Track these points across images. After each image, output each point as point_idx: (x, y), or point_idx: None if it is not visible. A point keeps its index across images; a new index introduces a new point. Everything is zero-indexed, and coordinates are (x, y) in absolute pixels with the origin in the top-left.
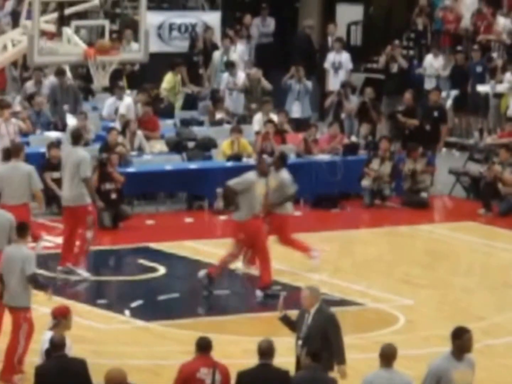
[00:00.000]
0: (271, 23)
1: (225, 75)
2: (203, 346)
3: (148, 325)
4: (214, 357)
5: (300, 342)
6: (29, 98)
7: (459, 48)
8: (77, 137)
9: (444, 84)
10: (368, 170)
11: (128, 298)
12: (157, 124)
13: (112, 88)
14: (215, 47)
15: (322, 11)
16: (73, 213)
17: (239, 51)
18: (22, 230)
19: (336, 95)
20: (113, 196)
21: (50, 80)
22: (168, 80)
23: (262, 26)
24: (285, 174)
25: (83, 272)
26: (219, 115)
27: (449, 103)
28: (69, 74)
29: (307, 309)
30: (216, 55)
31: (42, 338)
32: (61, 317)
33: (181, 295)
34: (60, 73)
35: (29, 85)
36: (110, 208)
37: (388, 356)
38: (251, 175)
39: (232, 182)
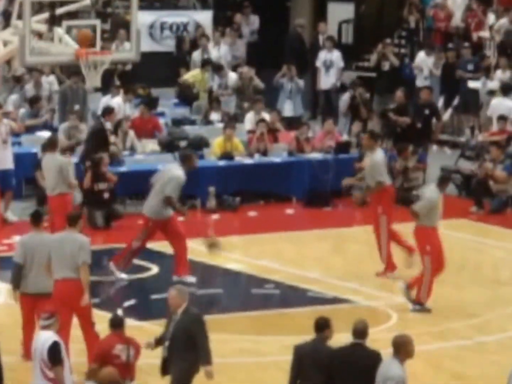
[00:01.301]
0: (255, 21)
1: (216, 78)
2: (117, 323)
3: (141, 324)
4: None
5: (167, 343)
6: (30, 100)
7: (450, 45)
8: (185, 158)
9: (436, 82)
10: (359, 165)
11: (121, 298)
12: (158, 124)
13: (106, 88)
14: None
15: (314, 10)
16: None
17: (222, 51)
18: (72, 219)
19: (351, 94)
20: (106, 195)
21: (44, 80)
22: (194, 74)
23: (246, 24)
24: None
25: (121, 274)
26: (214, 116)
27: (447, 113)
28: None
29: (174, 310)
30: (195, 54)
31: (39, 338)
32: (56, 314)
33: None
34: (75, 74)
35: (29, 88)
36: (102, 207)
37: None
38: (433, 194)
39: (418, 207)
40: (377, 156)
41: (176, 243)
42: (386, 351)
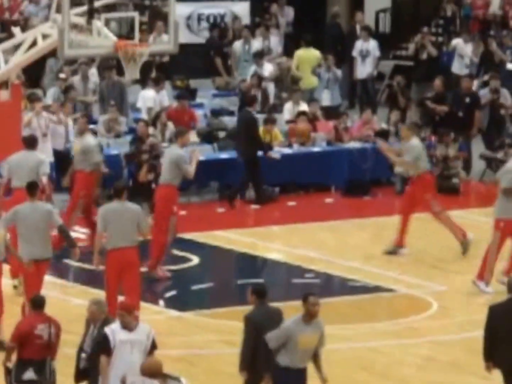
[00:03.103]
0: (289, 12)
1: (253, 67)
2: (39, 303)
3: (182, 315)
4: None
5: (84, 354)
6: (64, 90)
7: (491, 33)
8: None
9: (474, 70)
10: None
11: (162, 288)
12: (193, 115)
13: (144, 80)
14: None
15: None
16: None
17: (273, 42)
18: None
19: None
20: (153, 186)
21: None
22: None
23: (280, 16)
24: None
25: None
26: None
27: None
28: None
29: (93, 322)
30: (237, 45)
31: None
32: (134, 310)
33: (214, 284)
34: (108, 68)
35: (76, 80)
36: (149, 198)
37: None
38: None
39: None
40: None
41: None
42: (426, 339)
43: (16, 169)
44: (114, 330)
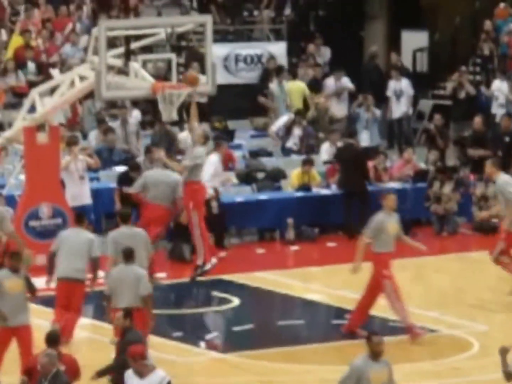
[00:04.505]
0: (326, 52)
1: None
2: (51, 339)
3: (223, 356)
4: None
5: None
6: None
7: None
8: None
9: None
10: (431, 192)
11: (203, 330)
12: (231, 156)
13: (181, 122)
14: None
15: (387, 39)
16: None
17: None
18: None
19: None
20: None
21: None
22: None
23: (317, 56)
24: None
25: None
26: (289, 143)
27: None
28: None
29: (45, 375)
30: (274, 85)
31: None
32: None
33: (255, 326)
34: (160, 121)
35: (116, 125)
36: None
37: None
38: None
39: None
40: None
41: None
42: (468, 379)
43: (152, 184)
44: (128, 375)
